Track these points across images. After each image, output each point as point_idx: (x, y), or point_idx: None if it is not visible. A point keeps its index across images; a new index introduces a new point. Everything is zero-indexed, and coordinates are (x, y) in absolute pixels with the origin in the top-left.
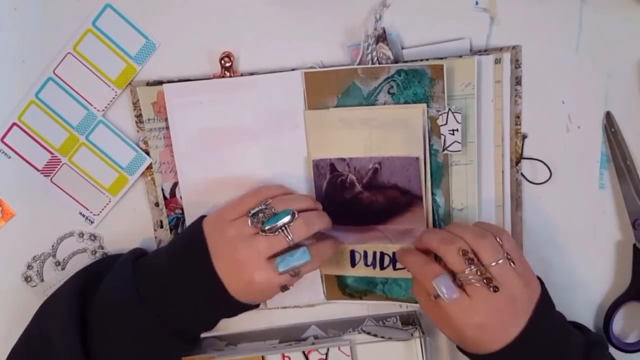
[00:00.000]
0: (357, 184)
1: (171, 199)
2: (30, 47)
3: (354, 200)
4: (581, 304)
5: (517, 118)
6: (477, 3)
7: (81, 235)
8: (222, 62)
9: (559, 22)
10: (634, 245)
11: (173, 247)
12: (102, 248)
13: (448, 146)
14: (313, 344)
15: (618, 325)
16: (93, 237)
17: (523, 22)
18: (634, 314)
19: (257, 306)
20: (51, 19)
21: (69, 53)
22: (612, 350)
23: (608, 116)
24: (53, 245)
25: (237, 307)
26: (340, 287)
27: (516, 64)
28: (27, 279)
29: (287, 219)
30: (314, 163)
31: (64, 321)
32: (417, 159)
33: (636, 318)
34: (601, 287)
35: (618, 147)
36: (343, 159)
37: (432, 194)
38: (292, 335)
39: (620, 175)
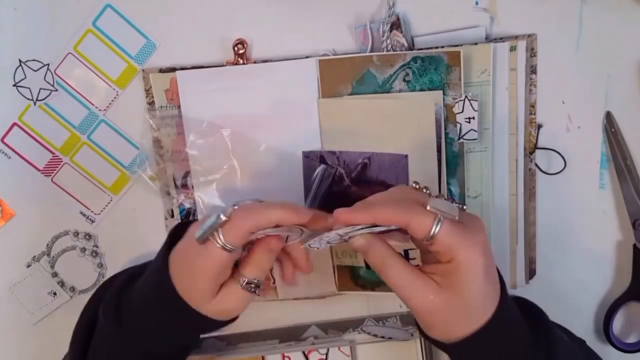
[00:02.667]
0: (345, 178)
1: (182, 188)
2: (30, 47)
3: (342, 193)
4: (581, 304)
5: (531, 107)
6: (477, 3)
7: (76, 234)
8: (236, 48)
9: (559, 22)
10: (634, 245)
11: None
12: (97, 247)
13: (464, 135)
14: (313, 344)
15: (618, 325)
16: (88, 236)
17: (523, 22)
18: (634, 314)
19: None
20: (51, 19)
21: (70, 53)
22: (612, 350)
23: (608, 116)
24: (48, 244)
25: (194, 317)
26: (353, 279)
27: (531, 52)
28: None
29: (212, 219)
30: (304, 154)
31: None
32: (406, 156)
33: (636, 318)
34: (601, 287)
35: (618, 147)
36: (333, 152)
37: (447, 183)
38: (292, 336)
39: (620, 175)
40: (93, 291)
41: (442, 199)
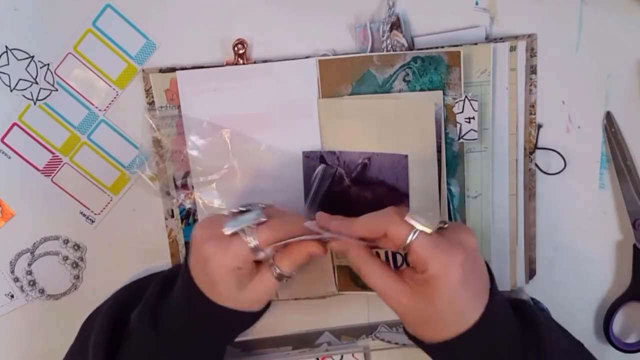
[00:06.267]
0: (345, 178)
1: (182, 188)
2: (30, 48)
3: (342, 194)
4: (581, 304)
5: (531, 107)
6: (477, 3)
7: (66, 241)
8: (236, 48)
9: (559, 22)
10: (634, 245)
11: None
12: (82, 259)
13: (464, 135)
14: (327, 350)
15: (618, 325)
16: (77, 246)
17: (523, 22)
18: (634, 314)
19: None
20: (51, 19)
21: (70, 53)
22: (612, 350)
23: (608, 116)
24: (34, 243)
25: (224, 314)
26: (353, 279)
27: (531, 52)
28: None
29: (251, 216)
30: (304, 154)
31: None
32: (406, 156)
33: (636, 318)
34: (601, 287)
35: (618, 147)
36: (333, 152)
37: (447, 183)
38: (305, 342)
39: (620, 175)
40: (62, 298)
41: (423, 214)
